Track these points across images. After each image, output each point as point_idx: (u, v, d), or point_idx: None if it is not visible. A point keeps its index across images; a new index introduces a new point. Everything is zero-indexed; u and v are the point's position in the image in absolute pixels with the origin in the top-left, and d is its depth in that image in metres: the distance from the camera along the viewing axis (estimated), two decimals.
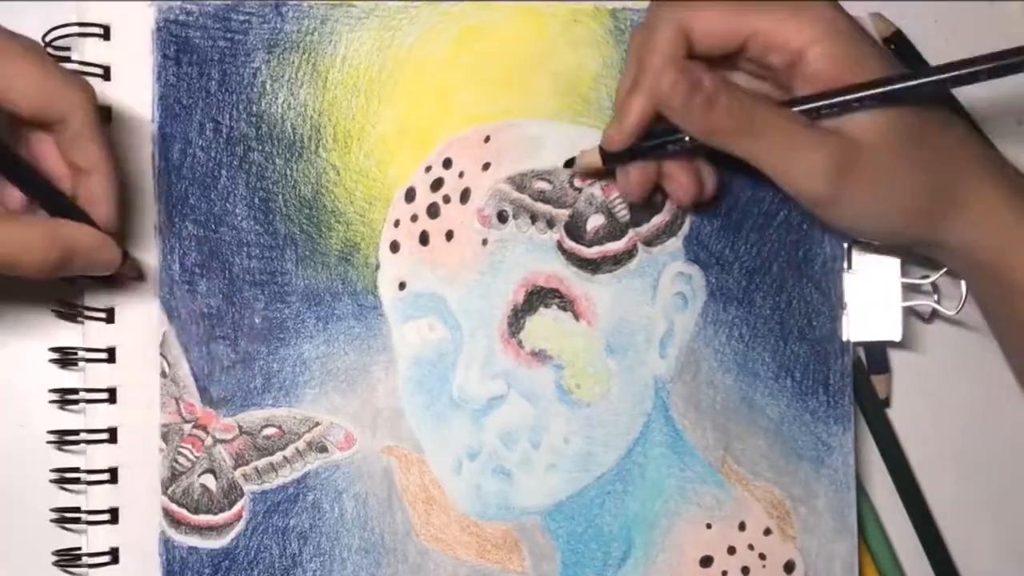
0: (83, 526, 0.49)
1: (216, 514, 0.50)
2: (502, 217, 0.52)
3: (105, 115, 0.49)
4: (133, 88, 0.50)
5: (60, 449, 0.49)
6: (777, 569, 0.52)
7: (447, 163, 0.52)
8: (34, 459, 0.48)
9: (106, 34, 0.49)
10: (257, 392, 0.50)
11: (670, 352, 0.52)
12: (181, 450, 0.49)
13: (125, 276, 0.49)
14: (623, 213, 0.52)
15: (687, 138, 0.47)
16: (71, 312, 0.49)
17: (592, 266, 0.52)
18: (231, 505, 0.50)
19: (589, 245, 0.52)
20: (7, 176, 0.45)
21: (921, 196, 0.47)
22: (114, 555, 0.49)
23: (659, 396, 0.52)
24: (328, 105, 0.51)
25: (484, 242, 0.52)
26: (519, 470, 0.51)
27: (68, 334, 0.50)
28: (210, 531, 0.49)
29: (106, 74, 0.49)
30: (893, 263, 0.53)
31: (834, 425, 0.53)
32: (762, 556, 0.52)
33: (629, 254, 0.52)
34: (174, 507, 0.49)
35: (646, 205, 0.52)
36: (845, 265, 0.53)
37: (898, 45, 0.55)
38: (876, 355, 0.55)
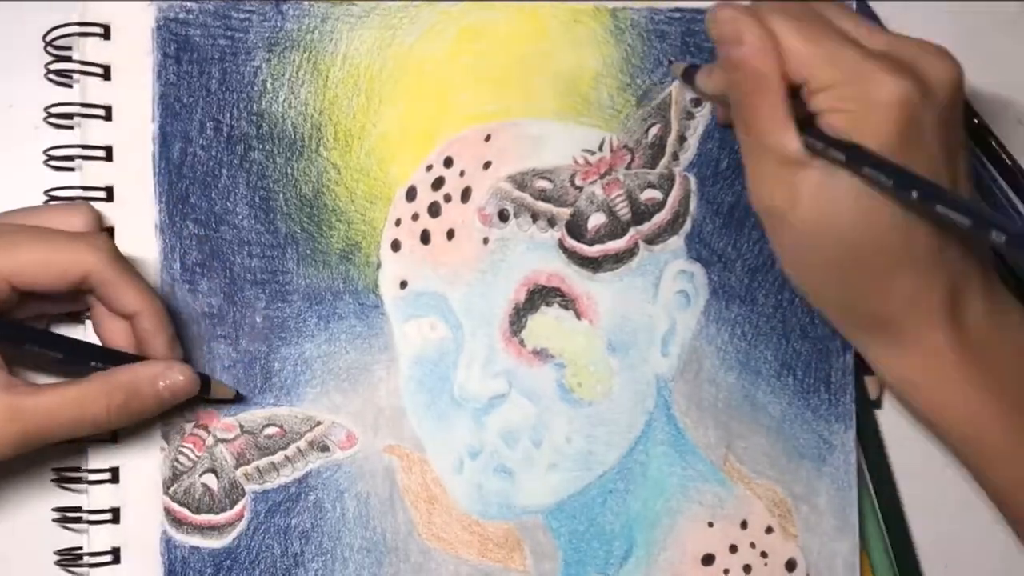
0: (84, 526, 0.48)
1: (218, 514, 0.49)
2: (503, 216, 0.52)
3: (105, 114, 0.49)
4: (133, 87, 0.49)
5: (61, 449, 0.49)
6: (779, 567, 0.52)
7: (448, 162, 0.52)
8: (35, 459, 0.48)
9: (106, 33, 0.49)
10: (258, 391, 0.50)
11: (672, 350, 0.52)
12: (182, 449, 0.49)
13: (221, 400, 0.49)
14: (624, 212, 0.52)
15: None
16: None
17: (593, 265, 0.52)
18: (232, 505, 0.50)
19: (590, 244, 0.52)
20: (44, 348, 0.45)
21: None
22: (115, 555, 0.48)
23: (661, 394, 0.52)
24: (329, 104, 0.51)
25: (485, 241, 0.52)
26: (521, 469, 0.51)
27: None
28: (212, 531, 0.49)
29: (106, 73, 0.49)
30: None
31: (836, 423, 0.53)
32: (764, 554, 0.52)
33: (631, 252, 0.52)
34: (175, 507, 0.49)
35: (646, 205, 0.52)
36: None
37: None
38: None
